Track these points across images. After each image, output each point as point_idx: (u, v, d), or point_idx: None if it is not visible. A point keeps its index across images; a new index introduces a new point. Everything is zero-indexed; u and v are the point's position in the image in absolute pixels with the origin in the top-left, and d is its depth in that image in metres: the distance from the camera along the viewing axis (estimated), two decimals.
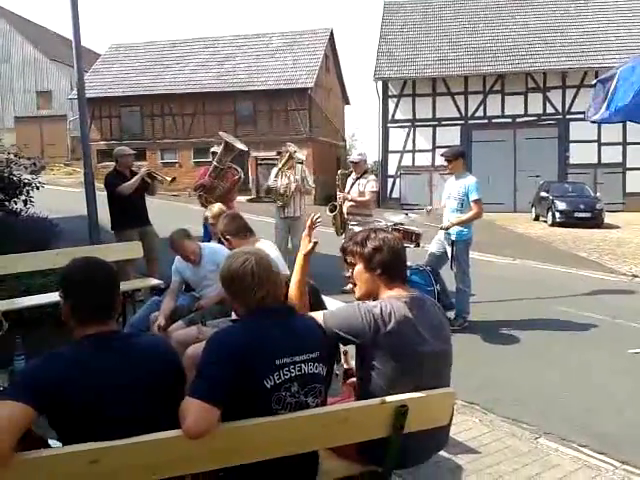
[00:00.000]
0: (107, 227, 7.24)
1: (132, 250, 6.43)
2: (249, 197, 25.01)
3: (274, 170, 7.83)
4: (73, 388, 1.88)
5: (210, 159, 7.98)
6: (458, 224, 6.13)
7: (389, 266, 2.48)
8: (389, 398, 2.26)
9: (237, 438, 2.04)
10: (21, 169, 8.64)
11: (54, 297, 5.34)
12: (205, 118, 27.08)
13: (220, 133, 8.30)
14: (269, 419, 2.07)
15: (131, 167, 7.21)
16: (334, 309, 2.48)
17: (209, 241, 5.64)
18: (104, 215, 7.52)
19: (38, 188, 8.40)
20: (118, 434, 1.85)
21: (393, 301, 2.40)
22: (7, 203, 8.29)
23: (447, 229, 6.18)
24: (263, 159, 25.69)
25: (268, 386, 2.08)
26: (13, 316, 5.26)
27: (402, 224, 6.40)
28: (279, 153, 8.07)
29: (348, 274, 2.63)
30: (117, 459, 1.86)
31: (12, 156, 8.51)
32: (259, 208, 17.57)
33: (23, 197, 8.32)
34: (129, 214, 6.90)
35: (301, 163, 7.91)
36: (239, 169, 7.85)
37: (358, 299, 2.57)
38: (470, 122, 23.94)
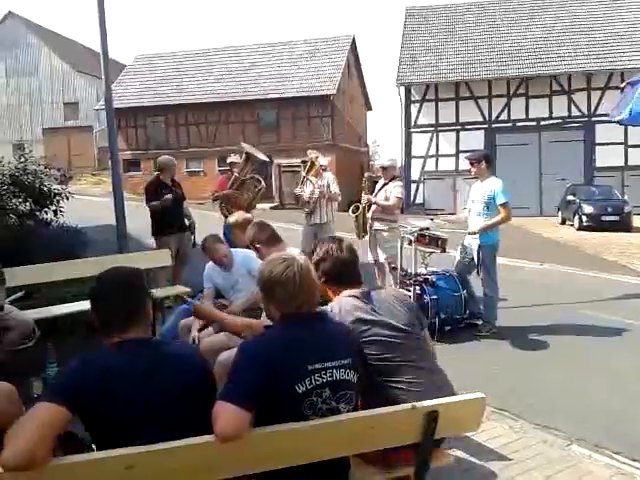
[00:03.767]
0: (135, 235, 7.34)
1: (161, 258, 6.52)
2: (272, 204, 25.13)
3: (300, 179, 7.90)
4: (106, 392, 1.92)
5: (228, 168, 8.05)
6: (486, 228, 6.08)
7: (332, 275, 2.71)
8: (419, 404, 2.26)
9: (269, 443, 2.06)
10: (51, 180, 8.79)
11: (85, 305, 5.43)
12: (229, 127, 27.31)
13: (242, 144, 8.37)
14: (301, 424, 2.08)
15: (174, 176, 7.56)
16: None
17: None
18: (132, 224, 7.65)
19: (68, 198, 8.54)
20: (150, 439, 1.88)
21: (341, 300, 2.64)
22: (38, 213, 8.44)
23: (475, 234, 6.14)
24: (286, 166, 25.81)
25: (300, 391, 2.09)
26: (45, 324, 5.36)
27: (428, 229, 6.37)
28: (303, 162, 8.10)
29: None
30: (152, 464, 1.89)
31: (42, 167, 8.67)
32: (283, 215, 17.64)
33: (53, 207, 8.47)
34: (168, 221, 7.23)
35: (324, 170, 7.93)
36: (261, 179, 7.90)
37: None
38: (494, 126, 23.78)
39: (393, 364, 2.51)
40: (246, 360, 2.10)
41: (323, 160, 8.07)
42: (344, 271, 2.72)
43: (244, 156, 7.75)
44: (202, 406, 2.01)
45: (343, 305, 2.60)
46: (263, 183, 7.86)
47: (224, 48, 30.81)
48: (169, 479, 1.93)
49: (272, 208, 24.25)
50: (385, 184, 7.31)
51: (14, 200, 8.19)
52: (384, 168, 7.42)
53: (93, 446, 2.12)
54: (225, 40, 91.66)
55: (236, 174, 7.64)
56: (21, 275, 5.44)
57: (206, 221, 7.77)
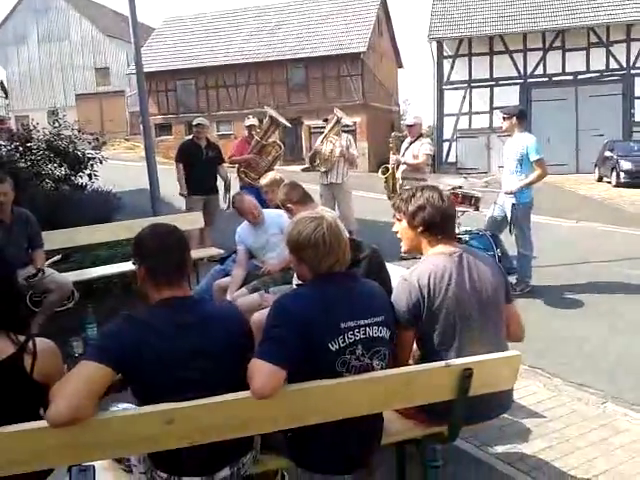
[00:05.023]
0: (167, 199, 7.42)
1: (193, 221, 6.62)
2: (303, 166, 25.03)
3: (320, 138, 7.82)
4: (149, 350, 1.95)
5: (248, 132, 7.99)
6: (524, 186, 5.95)
7: (431, 225, 2.52)
8: (453, 361, 2.26)
9: (303, 400, 2.10)
10: (84, 144, 8.90)
11: (121, 267, 5.57)
12: (258, 88, 27.09)
13: (265, 107, 8.35)
14: (334, 381, 2.10)
15: (206, 137, 7.75)
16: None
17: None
18: (164, 187, 7.74)
19: (102, 162, 8.64)
20: (190, 396, 1.93)
21: (434, 260, 2.48)
22: (73, 177, 8.58)
23: (512, 193, 6.00)
24: (316, 128, 25.57)
25: (333, 349, 2.11)
26: (83, 287, 5.50)
27: (461, 187, 6.29)
28: (326, 120, 8.05)
29: (395, 229, 2.69)
30: (191, 419, 1.94)
31: (76, 132, 8.77)
32: (313, 177, 17.57)
33: (88, 171, 8.59)
34: (197, 181, 7.43)
35: (352, 131, 7.88)
36: (281, 145, 7.92)
37: (404, 252, 2.80)
38: (529, 81, 23.10)
39: (456, 336, 2.42)
40: (280, 318, 2.12)
41: (347, 120, 8.00)
42: (444, 223, 2.54)
43: (267, 120, 7.70)
44: (242, 363, 2.04)
45: (433, 262, 2.46)
46: (283, 148, 7.86)
47: (252, 8, 30.35)
48: (208, 433, 1.98)
49: (303, 170, 24.17)
50: (412, 142, 7.27)
51: (49, 165, 8.34)
52: (410, 126, 7.39)
53: (126, 405, 2.18)
54: (252, 0, 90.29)
55: (257, 138, 7.62)
56: (58, 239, 5.58)
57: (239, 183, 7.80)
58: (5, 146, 8.18)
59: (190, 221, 6.60)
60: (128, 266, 5.06)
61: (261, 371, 1.97)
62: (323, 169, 7.59)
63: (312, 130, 25.86)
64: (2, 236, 4.63)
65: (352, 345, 2.14)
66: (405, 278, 2.46)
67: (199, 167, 7.45)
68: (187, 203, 7.63)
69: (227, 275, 4.83)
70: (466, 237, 6.25)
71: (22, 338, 1.99)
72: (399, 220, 2.64)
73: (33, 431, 1.81)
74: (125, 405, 2.30)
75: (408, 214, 2.55)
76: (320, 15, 28.10)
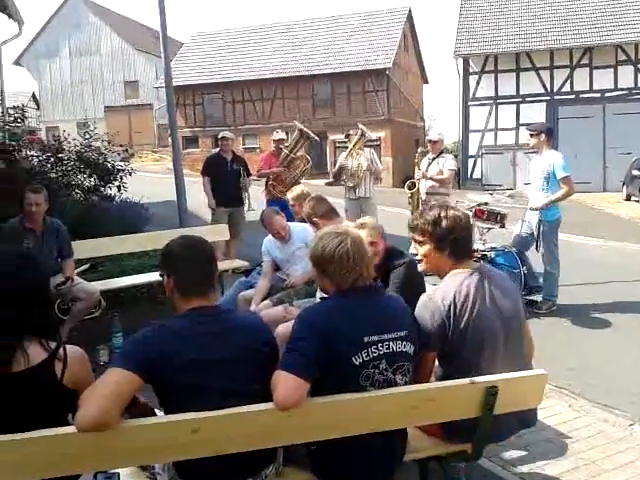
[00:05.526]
0: (194, 211, 7.48)
1: (219, 232, 6.68)
2: (327, 180, 25.08)
3: (344, 153, 7.83)
4: (177, 359, 1.98)
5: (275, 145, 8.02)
6: (549, 204, 5.91)
7: (459, 245, 2.52)
8: (479, 379, 2.25)
9: (326, 413, 2.10)
10: (114, 156, 9.04)
11: (148, 277, 5.63)
12: (284, 102, 27.30)
13: (294, 122, 8.43)
14: (358, 395, 2.11)
15: (231, 150, 7.88)
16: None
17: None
18: (190, 199, 7.82)
19: (131, 174, 8.77)
20: (217, 405, 1.95)
21: (457, 279, 2.46)
22: (102, 188, 8.71)
23: (537, 210, 5.96)
24: (341, 142, 25.65)
25: (357, 363, 2.12)
26: (110, 296, 5.57)
27: (487, 204, 6.26)
28: (347, 136, 8.08)
29: (413, 250, 2.66)
30: (216, 429, 1.96)
31: (106, 143, 8.91)
32: (337, 192, 17.61)
33: (117, 183, 8.71)
34: (222, 194, 7.56)
35: (377, 146, 7.92)
36: (309, 159, 7.98)
37: (422, 271, 2.73)
38: (556, 98, 22.93)
39: (482, 354, 2.41)
40: (304, 330, 2.13)
41: (371, 135, 8.04)
42: (467, 243, 2.56)
43: (297, 134, 7.76)
44: (267, 374, 2.06)
45: (456, 282, 2.45)
46: (310, 162, 7.91)
47: (279, 23, 30.67)
48: (232, 443, 1.99)
49: (327, 184, 24.22)
50: (434, 158, 7.29)
51: (79, 176, 8.49)
52: (434, 142, 7.39)
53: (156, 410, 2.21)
54: (280, 15, 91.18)
55: (286, 152, 7.67)
56: (86, 248, 5.68)
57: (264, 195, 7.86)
58: (37, 157, 8.35)
59: (216, 233, 6.66)
60: (155, 276, 5.10)
61: (285, 382, 1.99)
62: (350, 184, 7.59)
63: (337, 145, 25.94)
64: (33, 245, 4.73)
65: (376, 359, 2.15)
66: (430, 297, 2.45)
67: (224, 180, 7.57)
68: (213, 215, 7.73)
69: (252, 287, 4.87)
70: (492, 254, 6.22)
71: (53, 345, 2.03)
72: (420, 242, 2.59)
73: (61, 436, 1.85)
74: None
75: (435, 237, 2.52)
76: (346, 31, 28.28)
